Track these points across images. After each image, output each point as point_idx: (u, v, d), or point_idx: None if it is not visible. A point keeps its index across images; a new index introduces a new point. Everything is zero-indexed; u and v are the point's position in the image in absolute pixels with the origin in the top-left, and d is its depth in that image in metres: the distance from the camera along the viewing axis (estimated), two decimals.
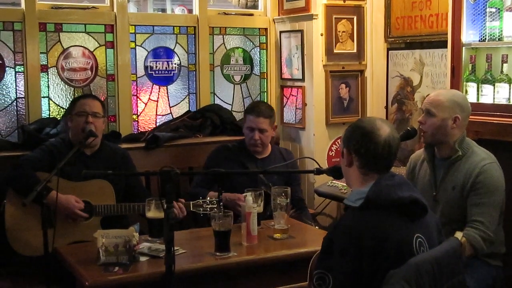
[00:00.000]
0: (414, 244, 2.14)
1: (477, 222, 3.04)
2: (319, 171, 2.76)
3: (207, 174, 4.04)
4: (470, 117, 3.27)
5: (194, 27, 4.98)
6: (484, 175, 3.08)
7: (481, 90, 3.74)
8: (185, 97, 5.05)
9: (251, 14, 5.27)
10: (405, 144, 4.46)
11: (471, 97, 3.77)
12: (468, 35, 3.81)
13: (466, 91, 3.80)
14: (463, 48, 3.81)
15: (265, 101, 5.26)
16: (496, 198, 3.08)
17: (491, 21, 3.68)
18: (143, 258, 2.94)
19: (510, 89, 3.60)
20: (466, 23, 3.80)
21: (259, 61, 5.32)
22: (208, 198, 3.60)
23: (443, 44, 4.10)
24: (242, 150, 4.06)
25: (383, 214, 2.14)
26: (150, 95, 4.93)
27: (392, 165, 2.29)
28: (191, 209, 3.56)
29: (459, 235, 2.92)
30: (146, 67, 4.88)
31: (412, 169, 3.43)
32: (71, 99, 4.41)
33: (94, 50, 4.66)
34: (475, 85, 3.78)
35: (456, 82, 3.83)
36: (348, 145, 2.30)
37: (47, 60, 4.51)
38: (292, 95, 5.11)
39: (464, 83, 3.82)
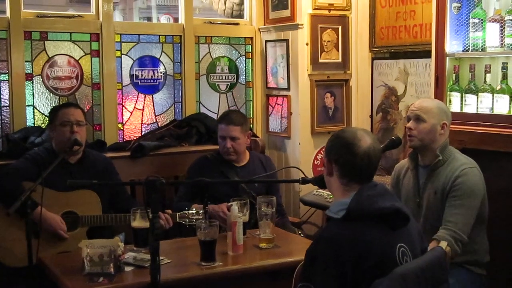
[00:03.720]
0: (397, 254, 2.15)
1: (449, 222, 3.06)
2: (304, 181, 2.77)
3: (192, 185, 4.03)
4: (454, 126, 3.32)
5: (180, 36, 4.99)
6: (462, 178, 3.11)
7: (465, 100, 3.78)
8: (170, 106, 5.05)
9: (237, 24, 5.29)
10: (390, 153, 4.50)
11: (455, 107, 3.81)
12: (452, 45, 3.85)
13: (450, 101, 3.84)
14: (447, 58, 3.86)
15: (251, 110, 5.28)
16: (472, 201, 3.10)
17: (474, 31, 3.72)
18: (128, 268, 2.93)
19: (493, 98, 3.64)
20: (449, 34, 3.84)
21: (245, 70, 5.33)
22: (194, 210, 3.60)
23: (427, 54, 4.14)
24: (221, 160, 4.06)
25: (365, 225, 2.14)
26: (135, 104, 4.92)
27: (373, 175, 2.30)
28: (177, 220, 3.55)
29: (443, 244, 2.94)
30: (131, 76, 4.88)
31: (397, 178, 3.46)
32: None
33: (80, 58, 4.65)
34: (458, 94, 3.82)
35: (440, 91, 3.87)
36: (329, 155, 2.31)
37: (32, 68, 4.49)
38: (278, 104, 5.13)
39: (448, 92, 3.86)
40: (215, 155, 4.13)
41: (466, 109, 3.78)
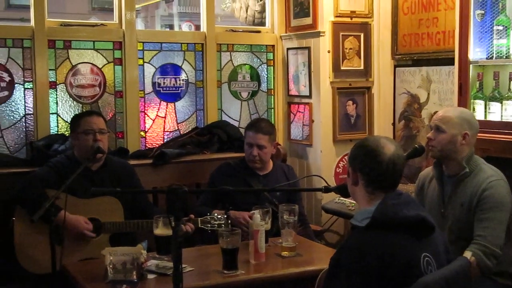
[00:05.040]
0: (422, 263, 2.13)
1: (480, 236, 3.02)
2: (327, 189, 2.75)
3: (214, 192, 4.04)
4: (478, 134, 3.27)
5: (202, 44, 5.01)
6: (490, 191, 3.07)
7: (489, 108, 3.74)
8: (192, 114, 5.07)
9: (259, 31, 5.30)
10: (413, 161, 4.47)
11: (479, 115, 3.77)
12: (475, 53, 3.82)
13: (474, 109, 3.80)
14: (471, 65, 3.82)
15: (272, 117, 5.28)
16: (502, 214, 3.06)
17: (498, 38, 3.69)
18: (151, 276, 2.94)
19: None
20: (473, 41, 3.81)
21: (266, 77, 5.34)
22: (216, 214, 3.60)
23: (450, 61, 4.11)
24: (244, 167, 4.07)
25: (390, 234, 2.13)
26: (157, 112, 4.95)
27: (398, 183, 2.29)
28: (199, 225, 3.56)
29: (468, 254, 2.91)
30: (154, 84, 4.91)
31: (421, 186, 3.43)
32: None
33: (103, 67, 4.69)
34: (482, 102, 3.78)
35: (463, 99, 3.83)
36: (353, 164, 2.30)
37: (56, 76, 4.54)
38: (299, 112, 5.12)
39: (472, 100, 3.82)
40: (238, 162, 4.13)
41: (490, 117, 3.74)
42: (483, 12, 3.78)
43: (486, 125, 3.67)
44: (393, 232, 2.13)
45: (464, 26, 3.83)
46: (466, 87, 3.83)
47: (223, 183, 3.78)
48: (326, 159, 4.94)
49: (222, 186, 3.37)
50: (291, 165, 4.51)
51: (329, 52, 4.87)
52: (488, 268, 2.99)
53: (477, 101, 3.81)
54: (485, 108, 3.77)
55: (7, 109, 4.40)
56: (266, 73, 5.33)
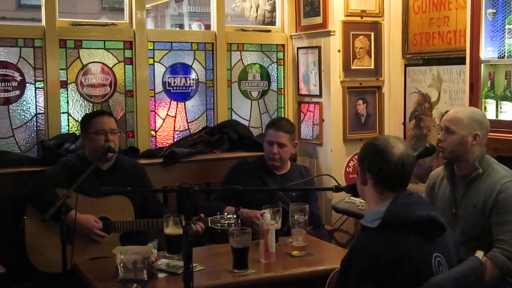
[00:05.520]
0: (433, 264, 2.13)
1: (500, 241, 2.99)
2: (338, 189, 2.74)
3: (225, 191, 4.04)
4: (489, 134, 3.25)
5: (212, 43, 5.02)
6: (505, 193, 3.04)
7: (500, 107, 3.73)
8: (202, 113, 5.07)
9: (269, 31, 5.30)
10: (423, 161, 4.45)
11: (490, 114, 3.75)
12: (487, 52, 3.80)
13: (485, 108, 3.78)
14: (482, 64, 3.80)
15: (282, 117, 5.27)
16: None
17: (510, 37, 3.67)
18: (161, 275, 2.95)
19: None
20: (484, 40, 3.79)
21: (277, 77, 5.33)
22: (226, 214, 3.60)
23: (461, 61, 4.09)
24: (262, 166, 4.08)
25: (401, 234, 2.12)
26: (168, 111, 4.95)
27: (408, 183, 2.28)
28: (209, 225, 3.56)
29: (479, 254, 2.89)
30: (164, 83, 4.91)
31: (431, 186, 3.40)
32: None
33: (113, 66, 4.70)
34: (494, 101, 3.76)
35: (475, 98, 3.81)
36: (362, 164, 2.30)
37: (67, 76, 4.55)
38: (309, 111, 5.12)
39: (483, 99, 3.81)
40: (256, 160, 4.14)
41: (502, 117, 3.72)
42: (494, 11, 3.76)
43: (498, 124, 3.65)
44: (404, 232, 2.13)
45: (475, 25, 3.81)
46: (478, 86, 3.81)
47: (240, 179, 3.80)
48: (336, 158, 4.93)
49: (233, 186, 3.36)
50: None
51: (339, 51, 4.86)
52: (509, 271, 2.96)
53: (488, 100, 3.79)
54: (497, 107, 3.75)
55: (19, 108, 4.42)
56: (276, 72, 5.33)
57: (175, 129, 4.99)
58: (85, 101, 4.62)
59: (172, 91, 4.95)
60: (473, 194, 3.14)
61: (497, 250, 2.98)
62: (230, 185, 3.84)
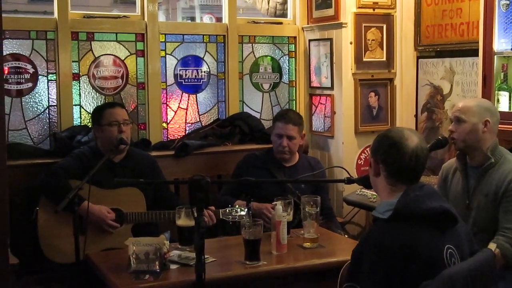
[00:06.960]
0: (445, 255, 2.12)
1: (506, 229, 2.99)
2: (350, 181, 2.74)
3: (237, 183, 4.04)
4: (503, 126, 3.24)
5: (224, 35, 5.01)
6: None
7: None
8: (214, 105, 5.08)
9: (280, 23, 5.29)
10: (435, 153, 4.43)
11: (503, 106, 3.74)
12: (500, 44, 3.78)
13: (498, 100, 3.77)
14: (495, 56, 3.78)
15: (294, 109, 5.26)
16: None
17: None
18: (173, 266, 2.95)
19: None
20: (498, 32, 3.77)
21: (288, 69, 5.32)
22: (237, 206, 3.61)
23: (474, 53, 4.07)
24: (270, 159, 4.07)
25: (413, 226, 2.12)
26: (179, 103, 4.96)
27: (421, 175, 2.27)
28: (221, 217, 3.57)
29: (492, 246, 2.88)
30: (175, 75, 4.92)
31: (444, 178, 3.39)
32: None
33: (125, 58, 4.71)
34: (507, 94, 3.75)
35: (487, 91, 3.80)
36: (376, 155, 2.28)
37: (79, 68, 4.57)
38: (321, 103, 5.11)
39: (496, 92, 3.79)
40: (264, 153, 4.14)
41: None
42: (508, 2, 3.74)
43: (511, 116, 3.63)
44: (416, 224, 2.12)
45: (488, 17, 3.79)
46: (490, 78, 3.79)
47: (248, 173, 3.79)
48: (347, 150, 4.92)
49: (244, 177, 3.36)
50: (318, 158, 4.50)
51: (351, 43, 4.85)
52: None
53: (501, 92, 3.77)
54: (510, 99, 3.73)
55: (31, 100, 4.45)
56: (287, 64, 5.32)
57: (187, 122, 4.99)
58: (97, 93, 4.63)
59: (183, 83, 4.96)
60: (485, 184, 3.13)
61: (502, 238, 2.98)
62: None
